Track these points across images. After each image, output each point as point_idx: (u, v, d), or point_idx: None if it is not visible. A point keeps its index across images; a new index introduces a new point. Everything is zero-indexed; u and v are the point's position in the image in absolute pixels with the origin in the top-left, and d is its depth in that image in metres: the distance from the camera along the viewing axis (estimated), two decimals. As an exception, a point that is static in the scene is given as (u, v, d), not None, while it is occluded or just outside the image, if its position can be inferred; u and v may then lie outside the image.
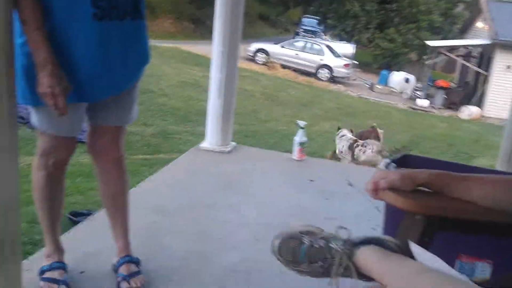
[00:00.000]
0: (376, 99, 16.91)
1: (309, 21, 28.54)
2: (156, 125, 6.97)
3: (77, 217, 2.84)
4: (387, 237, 1.05)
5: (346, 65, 18.54)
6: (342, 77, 18.74)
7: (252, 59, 18.63)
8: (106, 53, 1.57)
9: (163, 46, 15.68)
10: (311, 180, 3.31)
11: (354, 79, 19.92)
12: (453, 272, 0.97)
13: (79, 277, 1.94)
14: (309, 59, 18.47)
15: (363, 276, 1.02)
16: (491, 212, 1.07)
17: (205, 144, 3.68)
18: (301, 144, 3.66)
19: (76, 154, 4.78)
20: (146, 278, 1.93)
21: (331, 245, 1.07)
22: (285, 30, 32.54)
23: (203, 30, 20.55)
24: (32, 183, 1.82)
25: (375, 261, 0.99)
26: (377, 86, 18.88)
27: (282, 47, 19.02)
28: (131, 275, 1.88)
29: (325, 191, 3.12)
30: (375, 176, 1.13)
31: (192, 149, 3.74)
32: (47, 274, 1.83)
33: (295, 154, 3.69)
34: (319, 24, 27.01)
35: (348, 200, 3.02)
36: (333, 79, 18.33)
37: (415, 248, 0.99)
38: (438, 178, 1.12)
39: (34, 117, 1.66)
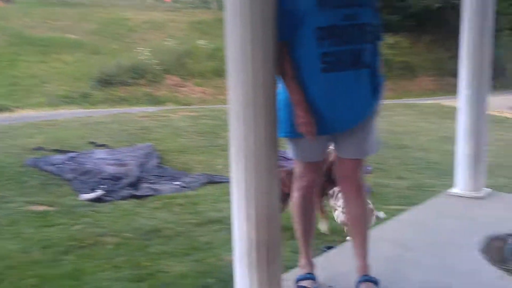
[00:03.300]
0: None
1: None
2: (412, 179, 7.00)
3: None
4: None
5: None
6: None
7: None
8: (330, 99, 1.97)
9: (424, 103, 15.63)
10: None
11: None
12: None
13: (328, 290, 2.28)
14: None
15: None
16: None
17: (454, 190, 3.67)
18: None
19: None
20: (384, 298, 2.13)
21: (537, 244, 1.13)
22: None
23: (466, 84, 19.62)
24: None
25: None
26: None
27: None
28: (370, 292, 2.12)
29: None
30: None
31: (441, 194, 3.76)
32: (300, 283, 2.23)
33: None
34: None
35: None
36: None
37: None
38: None
39: (290, 149, 2.16)
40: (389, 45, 19.65)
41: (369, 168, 6.94)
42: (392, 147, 8.77)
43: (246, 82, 1.83)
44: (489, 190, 3.70)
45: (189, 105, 13.22)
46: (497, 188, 6.48)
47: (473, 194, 3.56)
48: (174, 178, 5.77)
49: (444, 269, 2.46)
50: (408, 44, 20.95)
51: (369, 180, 6.49)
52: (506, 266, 1.20)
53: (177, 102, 13.80)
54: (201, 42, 16.74)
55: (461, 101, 3.53)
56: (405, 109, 14.05)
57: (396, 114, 12.99)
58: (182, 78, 15.16)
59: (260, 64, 1.83)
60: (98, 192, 4.88)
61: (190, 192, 5.37)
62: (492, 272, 2.23)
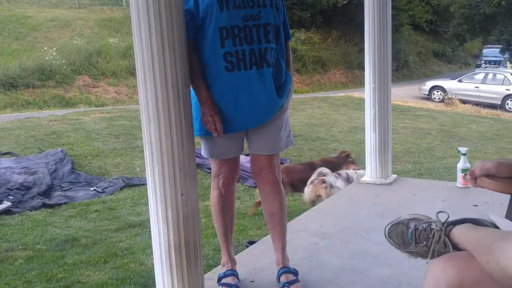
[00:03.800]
0: None
1: (490, 51, 26.51)
2: (328, 169, 7.30)
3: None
4: (483, 218, 1.17)
5: (538, 92, 16.63)
6: (536, 106, 16.81)
7: (428, 97, 18.05)
8: (234, 97, 2.00)
9: (335, 96, 16.28)
10: (475, 205, 3.22)
11: (553, 107, 17.65)
12: None
13: (250, 285, 2.32)
14: (492, 91, 17.09)
15: (459, 250, 1.15)
16: None
17: (365, 178, 3.87)
18: (464, 170, 3.59)
19: (255, 198, 5.32)
20: (304, 287, 2.21)
21: (432, 226, 1.23)
22: (465, 64, 30.68)
23: (374, 76, 20.73)
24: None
25: (466, 234, 1.12)
26: None
27: (460, 81, 18.04)
28: (290, 282, 2.19)
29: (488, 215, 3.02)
30: (474, 166, 1.26)
31: (353, 182, 3.96)
32: (223, 280, 2.25)
33: (459, 181, 3.63)
34: (501, 52, 24.88)
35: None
36: (524, 109, 16.57)
37: (493, 216, 1.10)
38: None
39: (202, 148, 2.17)
40: (302, 41, 20.24)
41: (287, 161, 7.14)
42: (308, 139, 9.09)
43: (155, 82, 1.80)
44: (395, 176, 3.94)
45: (102, 106, 12.73)
46: (404, 173, 6.94)
47: (382, 181, 3.78)
48: (89, 184, 5.56)
49: (357, 254, 2.60)
50: (319, 39, 21.67)
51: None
52: (408, 249, 1.30)
53: (90, 103, 13.23)
54: (112, 40, 16.16)
55: (367, 93, 3.73)
56: (319, 102, 14.56)
57: (311, 107, 13.44)
58: (93, 78, 14.54)
59: (169, 63, 1.81)
60: (5, 204, 4.58)
61: (107, 197, 5.21)
62: (397, 254, 2.40)
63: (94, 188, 5.38)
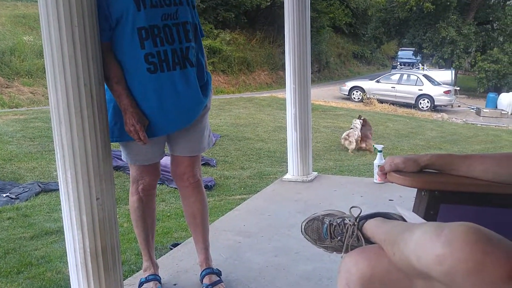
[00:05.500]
0: (484, 123, 15.98)
1: (405, 54, 28.19)
2: (253, 168, 7.37)
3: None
4: (393, 212, 1.23)
5: (446, 92, 17.90)
6: (445, 105, 18.07)
7: (348, 97, 18.78)
8: (160, 100, 1.92)
9: (260, 96, 16.48)
10: (391, 200, 3.39)
11: (459, 106, 19.08)
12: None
13: (172, 288, 2.28)
14: (406, 91, 18.15)
15: (371, 244, 1.20)
16: (490, 185, 1.20)
17: (287, 176, 3.95)
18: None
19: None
20: (227, 286, 2.20)
21: (345, 221, 1.27)
22: (382, 65, 32.33)
23: (298, 77, 21.24)
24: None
25: (376, 227, 1.17)
26: (485, 110, 17.85)
27: (377, 82, 18.96)
28: (213, 283, 2.18)
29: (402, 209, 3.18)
30: (384, 162, 1.32)
31: (276, 181, 4.02)
32: (144, 285, 2.19)
33: (376, 177, 3.80)
34: (414, 54, 26.51)
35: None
36: (435, 108, 17.75)
37: (400, 210, 1.16)
38: (441, 158, 1.27)
39: (123, 153, 2.09)
40: (226, 41, 20.29)
41: (213, 161, 7.11)
42: (235, 139, 9.12)
43: (66, 81, 1.71)
44: (316, 173, 4.06)
45: (16, 108, 11.99)
46: (326, 170, 7.15)
47: (304, 178, 3.87)
48: (2, 190, 5.21)
49: (279, 250, 2.64)
50: (243, 40, 21.84)
51: (214, 173, 6.66)
52: (324, 245, 1.34)
53: (2, 104, 12.40)
54: (27, 38, 15.22)
55: (288, 93, 3.80)
56: (245, 103, 14.67)
57: (237, 108, 13.51)
58: (7, 78, 13.63)
59: (81, 61, 1.72)
60: None
61: (21, 204, 4.90)
62: (319, 250, 2.47)
63: (7, 194, 5.04)
